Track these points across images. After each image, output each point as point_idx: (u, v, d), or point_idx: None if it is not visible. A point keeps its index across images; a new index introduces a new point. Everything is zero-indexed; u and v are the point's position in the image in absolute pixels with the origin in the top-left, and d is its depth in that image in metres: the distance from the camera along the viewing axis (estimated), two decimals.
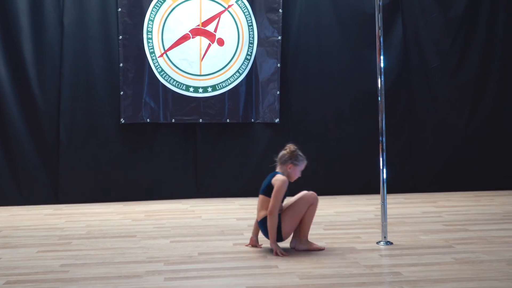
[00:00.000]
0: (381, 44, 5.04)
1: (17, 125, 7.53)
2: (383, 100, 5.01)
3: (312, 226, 5.60)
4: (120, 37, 7.73)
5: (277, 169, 4.84)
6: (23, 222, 6.29)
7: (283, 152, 4.84)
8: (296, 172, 4.81)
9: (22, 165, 7.55)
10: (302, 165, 4.84)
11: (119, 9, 7.71)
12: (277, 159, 4.86)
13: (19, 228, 5.93)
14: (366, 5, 8.06)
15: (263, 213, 4.67)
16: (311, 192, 4.81)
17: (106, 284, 3.81)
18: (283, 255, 4.50)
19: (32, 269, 4.23)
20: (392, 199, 6.56)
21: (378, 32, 5.03)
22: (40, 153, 7.61)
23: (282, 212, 4.71)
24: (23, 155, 7.54)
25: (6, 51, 7.52)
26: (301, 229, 4.74)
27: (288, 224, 4.68)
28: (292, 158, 4.78)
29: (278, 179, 4.67)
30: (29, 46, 7.58)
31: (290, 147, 4.84)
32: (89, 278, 3.97)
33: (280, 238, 4.66)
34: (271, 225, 4.56)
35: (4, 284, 3.84)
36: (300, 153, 4.84)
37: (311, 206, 4.73)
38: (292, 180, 4.80)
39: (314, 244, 4.73)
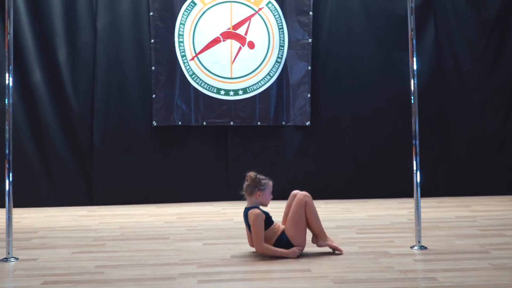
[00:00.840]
0: (414, 46, 5.00)
1: (52, 128, 7.63)
2: (416, 103, 4.97)
3: (344, 230, 5.63)
4: (152, 40, 7.79)
5: (247, 204, 4.74)
6: (58, 223, 6.37)
7: (246, 184, 4.74)
8: (267, 196, 4.74)
9: (57, 167, 7.66)
10: (269, 186, 4.76)
11: (151, 13, 7.78)
12: (244, 193, 4.77)
13: (55, 229, 6.01)
14: (397, 6, 8.02)
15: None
16: (299, 192, 4.75)
17: (141, 286, 3.84)
18: (300, 250, 4.60)
19: (68, 270, 4.28)
20: (425, 203, 6.50)
21: (411, 34, 5.00)
22: (74, 155, 7.71)
23: (285, 228, 4.68)
24: (58, 157, 7.65)
25: (41, 54, 7.64)
26: (312, 229, 4.72)
27: (297, 235, 4.64)
28: (257, 185, 4.70)
29: (250, 216, 4.61)
30: (63, 49, 7.68)
31: (250, 175, 4.76)
32: (124, 279, 4.00)
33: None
34: (271, 253, 4.57)
35: (41, 284, 3.90)
36: (261, 176, 4.76)
37: (307, 206, 4.67)
38: (267, 205, 4.75)
39: (333, 242, 4.73)
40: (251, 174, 4.76)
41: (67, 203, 7.62)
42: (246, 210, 4.70)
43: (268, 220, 4.65)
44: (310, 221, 4.69)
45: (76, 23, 7.74)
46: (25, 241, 5.35)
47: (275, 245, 4.60)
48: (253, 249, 4.87)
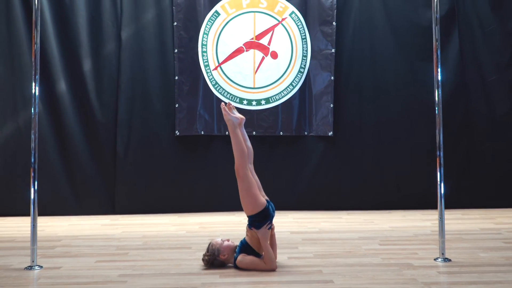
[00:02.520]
0: (439, 56, 4.97)
1: (76, 137, 7.69)
2: (441, 114, 4.94)
3: (367, 241, 5.61)
4: (176, 50, 7.84)
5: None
6: (81, 232, 6.41)
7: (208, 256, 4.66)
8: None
9: (81, 176, 7.71)
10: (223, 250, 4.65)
11: (175, 23, 7.83)
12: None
13: (78, 237, 6.04)
14: (422, 17, 7.99)
15: None
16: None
17: None
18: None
19: (92, 279, 4.31)
20: (449, 214, 6.46)
21: (435, 44, 4.97)
22: (97, 164, 7.75)
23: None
24: (82, 166, 7.70)
25: (67, 64, 7.71)
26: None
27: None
28: (216, 253, 4.63)
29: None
30: (88, 59, 7.75)
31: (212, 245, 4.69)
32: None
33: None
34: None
35: None
36: (211, 247, 4.66)
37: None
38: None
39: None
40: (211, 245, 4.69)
41: (90, 212, 7.67)
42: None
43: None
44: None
45: (101, 34, 7.81)
46: (49, 249, 5.39)
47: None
48: (277, 260, 4.86)
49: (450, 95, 7.88)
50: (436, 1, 4.98)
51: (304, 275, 4.37)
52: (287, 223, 6.88)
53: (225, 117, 4.82)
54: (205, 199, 7.85)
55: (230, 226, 6.75)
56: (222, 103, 4.90)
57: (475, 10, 8.12)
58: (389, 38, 8.06)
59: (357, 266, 4.62)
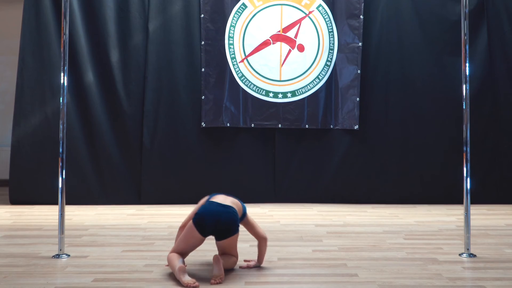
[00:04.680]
0: (467, 51, 4.94)
1: (103, 127, 7.76)
2: (468, 109, 4.91)
3: (391, 235, 5.60)
4: (203, 42, 7.86)
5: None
6: (108, 221, 6.49)
7: None
8: None
9: (107, 166, 7.78)
10: None
11: (202, 15, 7.85)
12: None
13: (105, 227, 6.12)
14: (450, 12, 7.92)
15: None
16: None
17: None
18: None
19: (118, 268, 4.36)
20: (474, 210, 6.42)
21: (464, 39, 4.94)
22: (124, 154, 7.82)
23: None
24: (108, 156, 7.77)
25: (94, 55, 7.78)
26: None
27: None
28: None
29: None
30: (115, 51, 7.81)
31: None
32: (172, 279, 4.06)
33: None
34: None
35: (92, 281, 3.98)
36: None
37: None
38: None
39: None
40: None
41: (116, 202, 7.74)
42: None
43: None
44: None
45: (129, 25, 7.87)
46: (76, 238, 5.47)
47: None
48: (300, 253, 4.89)
49: (478, 90, 7.81)
50: None
51: (329, 268, 4.38)
52: (312, 216, 6.88)
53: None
54: (230, 190, 7.82)
55: (255, 218, 6.70)
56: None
57: (504, 4, 8.04)
58: (417, 32, 8.01)
59: (381, 260, 4.62)
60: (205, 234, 4.18)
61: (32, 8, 7.77)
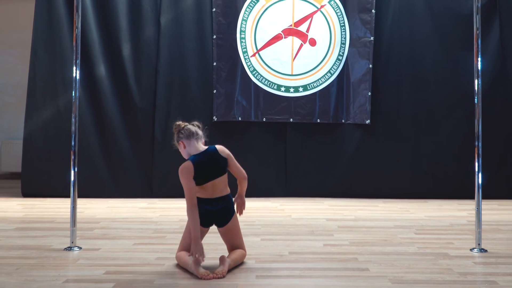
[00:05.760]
0: (479, 46, 4.91)
1: (115, 120, 7.79)
2: (480, 104, 4.89)
3: (402, 230, 5.60)
4: (214, 36, 7.87)
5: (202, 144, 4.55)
6: (119, 214, 6.52)
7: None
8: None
9: (119, 159, 7.82)
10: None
11: (214, 9, 7.86)
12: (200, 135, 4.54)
13: (116, 220, 6.15)
14: (462, 6, 7.88)
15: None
16: None
17: (200, 279, 3.90)
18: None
19: (130, 261, 4.38)
20: (486, 205, 6.41)
21: (476, 33, 4.91)
22: (135, 148, 7.85)
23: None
24: (120, 150, 7.81)
25: (106, 49, 7.81)
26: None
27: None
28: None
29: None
30: (127, 44, 7.83)
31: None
32: (183, 272, 4.07)
33: None
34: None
35: (104, 274, 4.00)
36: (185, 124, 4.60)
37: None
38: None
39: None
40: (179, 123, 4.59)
41: (128, 195, 7.77)
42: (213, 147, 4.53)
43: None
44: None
45: (140, 18, 7.88)
46: (88, 231, 5.50)
47: None
48: (311, 247, 4.89)
49: (490, 85, 7.77)
50: None
51: (340, 262, 4.38)
52: (323, 210, 6.89)
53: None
54: None
55: (266, 212, 6.79)
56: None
57: None
58: (429, 27, 7.97)
59: (392, 254, 4.61)
60: (206, 225, 4.26)
61: (44, 1, 7.80)
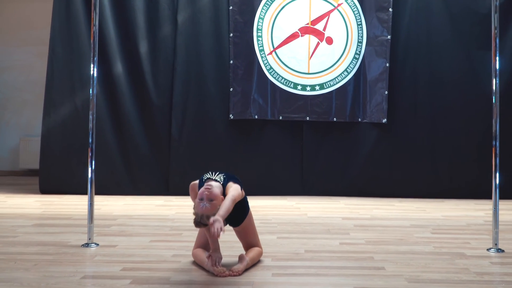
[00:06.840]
0: (497, 45, 4.88)
1: (132, 118, 7.83)
2: (498, 103, 4.86)
3: (419, 229, 5.58)
4: (231, 34, 7.88)
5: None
6: (136, 211, 6.55)
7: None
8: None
9: (136, 157, 7.86)
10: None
11: (231, 7, 7.87)
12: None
13: (133, 217, 6.18)
14: (480, 4, 7.82)
15: None
16: None
17: (216, 276, 3.91)
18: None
19: (146, 258, 4.40)
20: (503, 205, 6.34)
21: (494, 32, 4.88)
22: (152, 145, 7.88)
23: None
24: (137, 147, 7.84)
25: (123, 47, 7.85)
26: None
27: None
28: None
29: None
30: (144, 42, 7.86)
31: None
32: (200, 269, 4.09)
33: None
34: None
35: (120, 270, 4.03)
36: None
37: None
38: None
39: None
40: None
41: (145, 192, 7.81)
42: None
43: None
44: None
45: (157, 16, 7.91)
46: (105, 227, 5.53)
47: None
48: (327, 245, 4.89)
49: (508, 84, 7.72)
50: None
51: (355, 261, 4.38)
52: (338, 209, 6.88)
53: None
54: (257, 182, 7.89)
55: (282, 210, 6.79)
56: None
57: None
58: (446, 26, 7.93)
59: (408, 253, 4.60)
60: None
61: None
